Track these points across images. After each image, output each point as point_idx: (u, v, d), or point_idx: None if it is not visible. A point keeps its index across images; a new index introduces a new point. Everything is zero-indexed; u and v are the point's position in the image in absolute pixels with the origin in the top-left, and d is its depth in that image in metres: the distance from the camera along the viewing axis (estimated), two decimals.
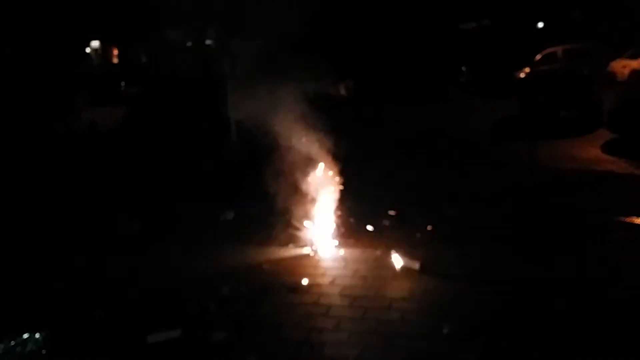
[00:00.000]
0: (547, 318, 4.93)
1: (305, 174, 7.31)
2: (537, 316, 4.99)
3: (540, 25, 29.35)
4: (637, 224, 7.13)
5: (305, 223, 7.18)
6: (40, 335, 4.95)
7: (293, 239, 7.04)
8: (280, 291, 5.77)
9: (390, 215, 7.73)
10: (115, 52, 33.37)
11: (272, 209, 7.44)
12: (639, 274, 5.74)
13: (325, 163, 7.35)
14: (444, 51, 25.51)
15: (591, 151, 11.46)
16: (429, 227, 7.32)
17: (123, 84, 22.72)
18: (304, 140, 7.33)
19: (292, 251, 6.86)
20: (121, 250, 7.20)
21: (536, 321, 4.91)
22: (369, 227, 7.38)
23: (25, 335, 4.93)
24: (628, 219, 7.25)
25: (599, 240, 6.70)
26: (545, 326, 4.81)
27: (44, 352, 4.84)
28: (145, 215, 8.55)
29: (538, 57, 23.02)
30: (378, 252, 6.62)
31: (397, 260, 6.13)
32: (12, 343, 4.87)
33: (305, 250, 6.82)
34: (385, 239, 6.97)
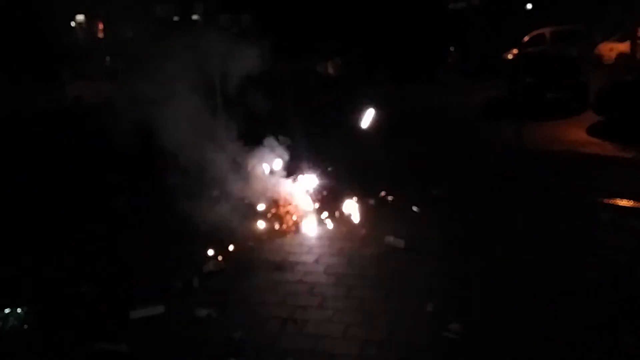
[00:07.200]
0: (531, 298, 4.98)
1: (292, 152, 7.28)
2: (520, 295, 5.04)
3: (529, 6, 29.26)
4: (620, 206, 7.19)
5: (291, 201, 7.16)
6: (22, 310, 4.92)
7: (278, 217, 7.03)
8: (265, 268, 5.78)
9: (376, 194, 7.73)
10: (101, 26, 32.78)
11: (257, 187, 7.42)
12: (621, 254, 5.80)
13: (313, 141, 7.32)
14: (433, 31, 25.34)
15: (577, 133, 11.52)
16: (414, 207, 7.33)
17: (108, 58, 22.47)
18: (292, 119, 7.29)
19: (277, 229, 6.85)
20: (106, 226, 7.16)
21: (519, 300, 4.96)
22: (371, 202, 7.42)
23: (7, 310, 4.89)
24: (611, 201, 7.31)
25: (582, 221, 6.75)
26: (528, 306, 4.86)
27: (25, 327, 4.81)
28: (129, 190, 8.46)
29: (526, 38, 22.95)
30: (363, 231, 6.64)
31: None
32: None
33: (291, 228, 6.80)
34: (371, 218, 6.99)
